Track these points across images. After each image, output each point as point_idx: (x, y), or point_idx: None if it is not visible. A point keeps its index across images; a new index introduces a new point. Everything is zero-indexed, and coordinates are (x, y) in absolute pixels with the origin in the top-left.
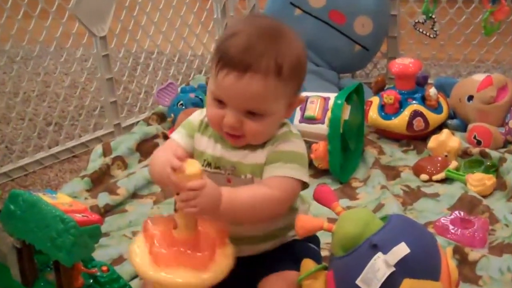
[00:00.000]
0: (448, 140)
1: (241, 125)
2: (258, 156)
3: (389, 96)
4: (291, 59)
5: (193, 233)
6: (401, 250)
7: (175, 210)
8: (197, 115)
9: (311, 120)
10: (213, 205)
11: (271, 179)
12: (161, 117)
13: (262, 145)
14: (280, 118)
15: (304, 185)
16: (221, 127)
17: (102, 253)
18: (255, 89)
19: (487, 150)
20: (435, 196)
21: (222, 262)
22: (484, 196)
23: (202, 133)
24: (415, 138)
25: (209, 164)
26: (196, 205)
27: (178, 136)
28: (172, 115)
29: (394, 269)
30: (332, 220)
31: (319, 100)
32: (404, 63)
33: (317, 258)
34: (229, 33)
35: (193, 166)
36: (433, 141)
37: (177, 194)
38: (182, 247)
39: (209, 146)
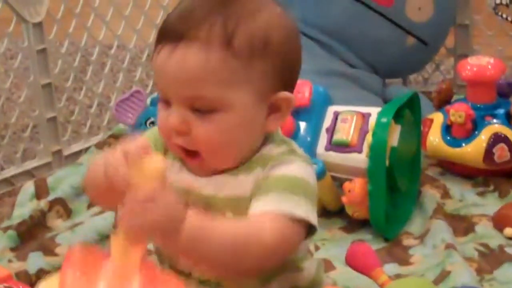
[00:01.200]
0: None
1: (189, 129)
2: (241, 185)
3: (458, 112)
4: (252, 28)
5: (133, 267)
6: None
7: (114, 227)
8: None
9: (342, 146)
10: (169, 224)
11: (260, 214)
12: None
13: (248, 169)
14: (251, 122)
15: (311, 230)
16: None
17: None
18: (191, 64)
19: None
20: None
21: None
22: None
23: (174, 157)
24: (496, 175)
25: None
26: (145, 218)
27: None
28: None
29: None
30: None
31: (355, 118)
32: (480, 63)
33: None
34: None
35: (154, 162)
36: None
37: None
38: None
39: (173, 173)
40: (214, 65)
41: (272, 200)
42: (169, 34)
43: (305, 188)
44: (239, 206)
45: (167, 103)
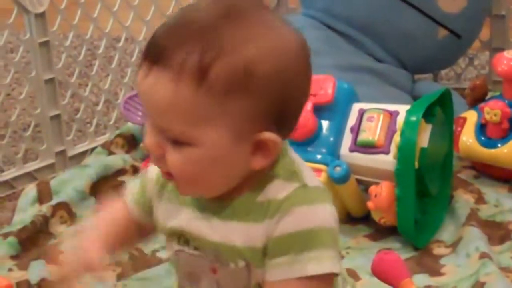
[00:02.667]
0: None
1: (163, 153)
2: (252, 235)
3: (494, 110)
4: (233, 63)
5: None
6: None
7: None
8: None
9: (368, 147)
10: None
11: (280, 285)
12: (130, 141)
13: (257, 217)
14: (226, 159)
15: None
16: None
17: None
18: (159, 95)
19: None
20: None
21: None
22: None
23: (169, 200)
24: None
25: (186, 242)
26: None
27: (131, 198)
28: None
29: None
30: None
31: (382, 116)
32: None
33: None
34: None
35: None
36: None
37: None
38: None
39: (181, 215)
40: (182, 101)
41: (293, 265)
42: (148, 53)
43: (323, 236)
44: (252, 255)
45: None
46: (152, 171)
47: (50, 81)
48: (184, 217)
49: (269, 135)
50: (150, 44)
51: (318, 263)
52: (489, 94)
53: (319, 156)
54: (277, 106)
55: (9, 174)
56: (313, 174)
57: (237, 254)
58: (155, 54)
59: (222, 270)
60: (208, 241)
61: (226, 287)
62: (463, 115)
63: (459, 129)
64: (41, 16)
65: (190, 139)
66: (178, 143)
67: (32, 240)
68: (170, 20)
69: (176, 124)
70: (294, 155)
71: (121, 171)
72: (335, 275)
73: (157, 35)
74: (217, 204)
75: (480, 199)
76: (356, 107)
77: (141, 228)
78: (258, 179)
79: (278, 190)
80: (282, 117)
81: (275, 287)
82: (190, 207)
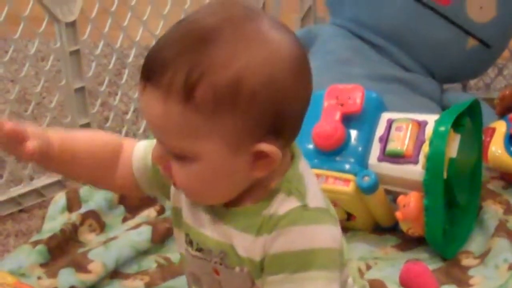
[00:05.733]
0: None
1: (168, 165)
2: (252, 247)
3: None
4: (219, 79)
5: None
6: None
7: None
8: None
9: (397, 157)
10: None
11: None
12: None
13: (257, 230)
14: (225, 171)
15: None
16: None
17: None
18: (154, 111)
19: None
20: None
21: None
22: None
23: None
24: None
25: (190, 242)
26: None
27: (140, 161)
28: None
29: None
30: None
31: (410, 126)
32: None
33: None
34: None
35: None
36: None
37: None
38: None
39: (189, 215)
40: (173, 118)
41: (284, 283)
42: (143, 70)
43: (319, 258)
44: (252, 267)
45: None
46: None
47: (80, 89)
48: (202, 219)
49: (266, 146)
50: (145, 60)
51: (312, 284)
52: None
53: (347, 166)
54: (271, 117)
55: (39, 182)
56: (319, 193)
57: (238, 261)
58: (148, 71)
59: (225, 272)
60: (219, 243)
61: None
62: (492, 125)
63: (488, 139)
64: (71, 25)
65: (188, 154)
66: (179, 157)
67: (62, 248)
68: (165, 34)
69: (172, 139)
70: (305, 169)
71: None
72: None
73: (151, 51)
74: (224, 210)
75: (509, 210)
76: (385, 116)
77: (129, 181)
78: (265, 192)
79: (280, 205)
80: (280, 127)
81: None
82: (210, 210)
